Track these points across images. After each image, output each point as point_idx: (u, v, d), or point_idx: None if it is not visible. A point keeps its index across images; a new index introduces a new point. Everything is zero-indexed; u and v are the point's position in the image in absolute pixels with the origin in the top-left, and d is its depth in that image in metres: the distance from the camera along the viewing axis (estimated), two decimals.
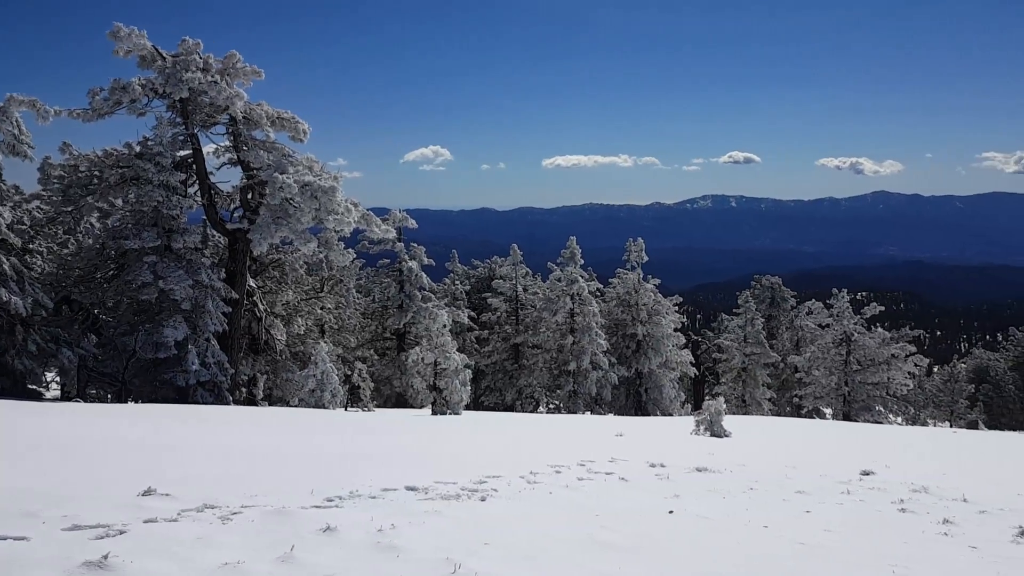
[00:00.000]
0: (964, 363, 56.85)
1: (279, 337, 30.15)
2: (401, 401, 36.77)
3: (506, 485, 9.15)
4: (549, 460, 11.58)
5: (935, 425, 49.73)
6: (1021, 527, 8.10)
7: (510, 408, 42.46)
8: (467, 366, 26.11)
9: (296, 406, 26.41)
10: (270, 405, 29.40)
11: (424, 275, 38.67)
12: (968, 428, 45.34)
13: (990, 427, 48.56)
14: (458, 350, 28.02)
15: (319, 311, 35.53)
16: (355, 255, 34.01)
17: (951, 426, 48.86)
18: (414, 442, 13.97)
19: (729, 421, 20.79)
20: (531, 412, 40.98)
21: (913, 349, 37.18)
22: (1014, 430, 43.10)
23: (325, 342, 30.42)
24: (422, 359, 24.88)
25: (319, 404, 25.58)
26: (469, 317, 42.02)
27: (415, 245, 39.44)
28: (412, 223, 37.81)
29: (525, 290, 43.75)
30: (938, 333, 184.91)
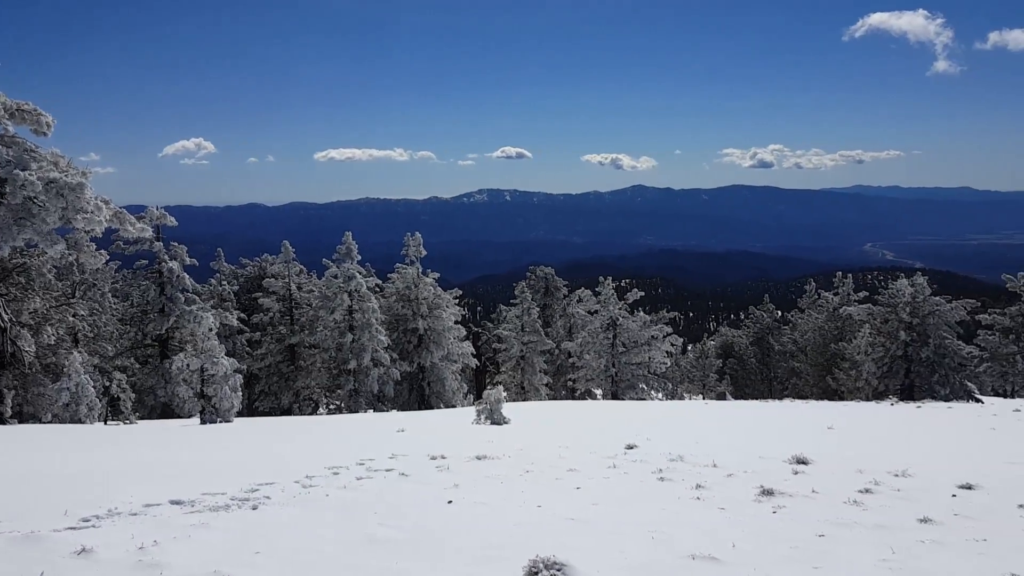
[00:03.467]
0: (713, 341, 62.80)
1: (27, 349, 27.03)
2: (167, 411, 34.32)
3: (280, 491, 8.85)
4: (326, 462, 11.31)
5: (690, 398, 54.55)
6: (762, 487, 9.02)
7: (287, 412, 41.04)
8: (238, 371, 24.94)
9: (50, 422, 24.20)
10: (20, 423, 26.33)
11: (187, 276, 36.26)
12: (718, 399, 50.16)
13: (736, 397, 54.05)
14: (228, 354, 26.71)
15: (71, 319, 32.43)
16: (109, 257, 31.34)
17: (704, 398, 53.80)
18: (180, 453, 13.09)
19: (509, 408, 21.45)
20: (310, 414, 39.87)
21: (670, 330, 40.38)
22: (756, 398, 48.19)
23: (79, 352, 27.94)
24: (187, 365, 23.41)
25: (75, 419, 23.57)
26: (239, 319, 40.03)
27: (176, 244, 36.84)
28: (172, 221, 35.42)
29: (299, 288, 42.41)
30: (691, 315, 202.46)
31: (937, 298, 35.70)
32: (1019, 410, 23.30)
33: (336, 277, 37.49)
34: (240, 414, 26.43)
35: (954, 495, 8.91)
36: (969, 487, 9.26)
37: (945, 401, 31.14)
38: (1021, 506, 8.27)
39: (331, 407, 41.54)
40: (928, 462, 11.33)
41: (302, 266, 44.02)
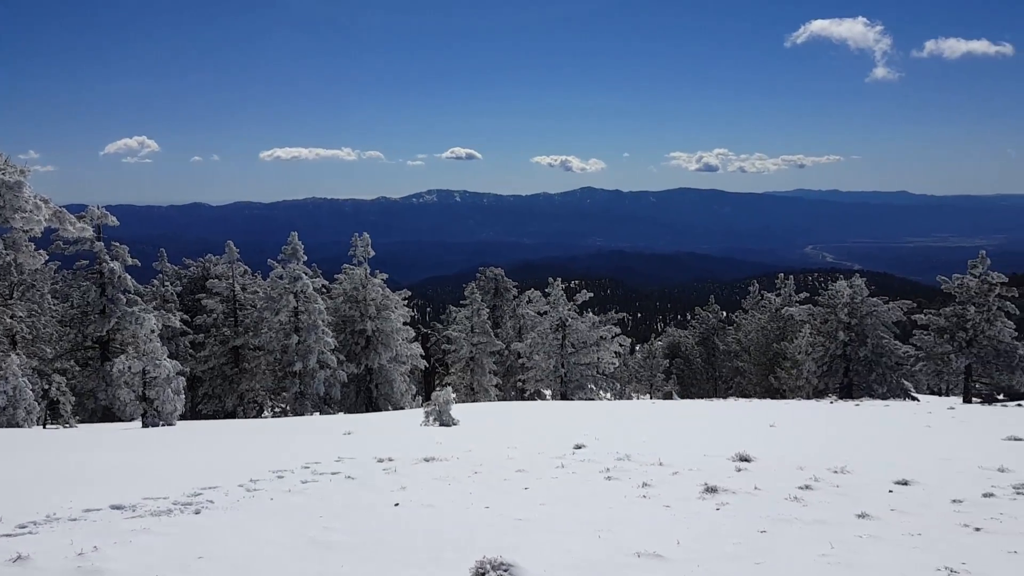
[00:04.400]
0: (660, 341, 63.58)
1: None
2: (108, 415, 33.43)
3: (223, 495, 8.71)
4: (271, 466, 11.15)
5: (638, 397, 55.14)
6: (707, 485, 9.16)
7: (231, 415, 40.31)
8: (181, 373, 24.42)
9: None
10: None
11: (129, 277, 35.34)
12: (665, 398, 50.80)
13: (682, 396, 54.82)
14: (170, 356, 26.16)
15: (9, 320, 31.48)
16: (48, 257, 30.46)
17: (651, 397, 54.43)
18: (121, 457, 12.76)
19: (458, 409, 21.39)
20: (254, 417, 39.22)
21: (618, 331, 40.76)
22: (702, 397, 48.93)
23: (17, 354, 27.11)
24: (129, 368, 22.83)
25: (12, 423, 22.90)
26: (182, 320, 39.17)
27: (117, 244, 35.91)
28: (113, 220, 34.58)
29: (244, 289, 41.67)
30: (639, 315, 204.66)
31: (875, 299, 36.70)
32: (953, 408, 24.10)
33: (281, 278, 36.93)
34: (183, 417, 25.88)
35: (891, 491, 9.17)
36: (905, 483, 9.53)
37: (883, 399, 32.03)
38: (955, 501, 8.54)
39: (276, 410, 40.92)
40: (866, 459, 11.64)
41: (247, 267, 43.28)
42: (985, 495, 8.85)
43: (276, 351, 36.84)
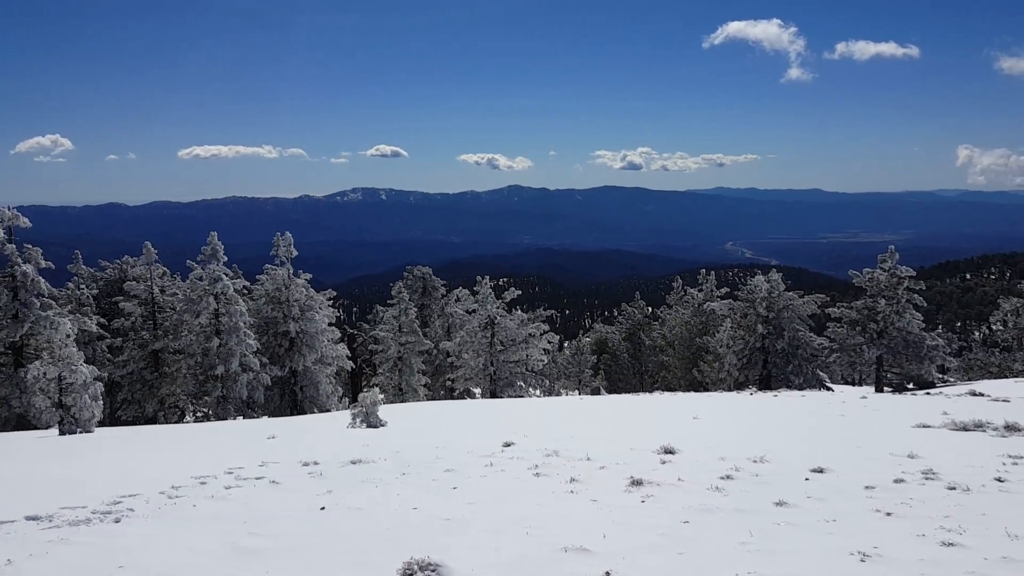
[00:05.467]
0: (588, 337, 64.31)
1: None
2: (23, 423, 31.99)
3: (144, 503, 8.47)
4: (193, 472, 10.86)
5: (567, 393, 55.67)
6: (632, 478, 9.33)
7: (152, 421, 39.06)
8: (98, 378, 23.53)
9: None
10: None
11: (42, 280, 33.86)
12: (592, 394, 51.42)
13: (610, 391, 55.60)
14: (87, 361, 25.18)
15: None
16: None
17: (579, 393, 55.01)
18: (37, 467, 12.24)
19: (385, 410, 21.20)
20: (176, 423, 38.11)
21: (547, 328, 41.03)
22: (628, 392, 49.69)
23: None
24: (44, 374, 21.89)
25: None
26: (99, 324, 37.75)
27: (30, 246, 34.39)
28: (25, 222, 33.23)
29: (163, 291, 40.38)
30: (567, 312, 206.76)
31: (791, 293, 37.92)
32: (866, 397, 25.08)
33: (201, 279, 35.92)
34: (102, 424, 24.96)
35: (807, 479, 9.50)
36: (821, 471, 9.90)
37: (799, 390, 33.11)
38: (867, 487, 8.91)
39: (198, 415, 39.82)
40: (784, 448, 12.03)
41: (165, 268, 41.98)
42: (896, 481, 9.26)
43: (197, 354, 35.84)
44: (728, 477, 9.49)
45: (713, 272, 53.28)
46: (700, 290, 51.15)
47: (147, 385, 39.99)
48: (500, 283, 79.50)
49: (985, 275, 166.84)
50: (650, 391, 42.04)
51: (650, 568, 5.90)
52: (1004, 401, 20.62)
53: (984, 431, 13.75)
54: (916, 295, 35.14)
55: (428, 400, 43.60)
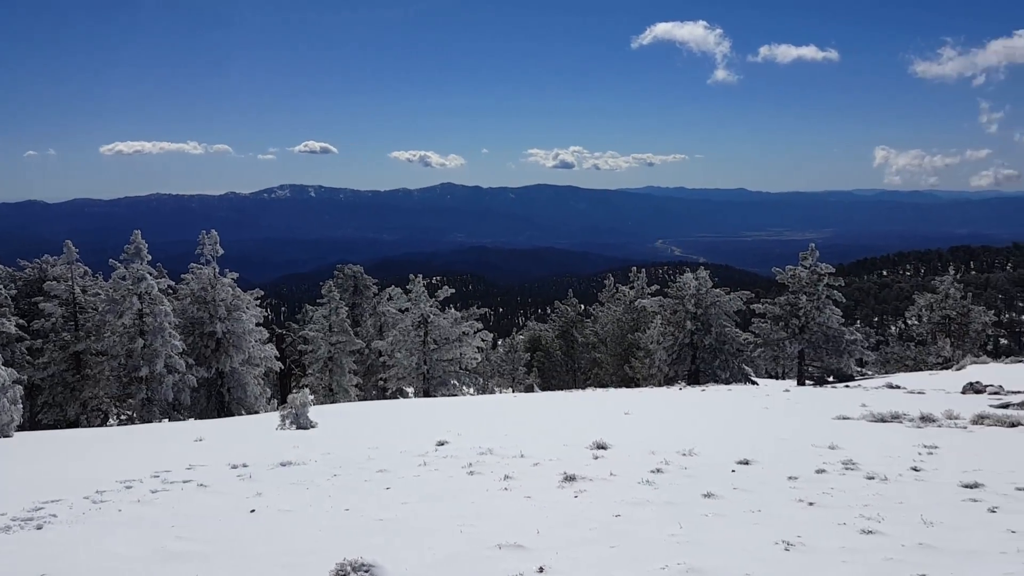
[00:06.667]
0: (521, 335, 64.60)
1: None
2: None
3: (68, 509, 8.21)
4: (118, 476, 10.54)
5: (501, 391, 55.82)
6: (566, 474, 9.43)
7: (74, 424, 37.69)
8: (18, 381, 22.63)
9: None
10: None
11: None
12: (526, 391, 51.69)
13: (544, 388, 55.98)
14: (5, 364, 24.23)
15: None
16: None
17: (513, 391, 55.24)
18: None
19: (316, 411, 20.89)
20: (99, 426, 36.85)
21: (480, 326, 41.08)
22: (562, 389, 50.12)
23: None
24: None
25: None
26: (18, 325, 36.27)
27: None
28: None
29: (85, 291, 38.98)
30: (500, 310, 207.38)
31: (718, 290, 38.85)
32: (789, 390, 25.88)
33: (124, 279, 34.78)
34: (21, 428, 23.96)
35: (733, 470, 9.77)
36: (746, 462, 10.18)
37: (726, 384, 33.97)
38: (791, 478, 9.20)
39: (122, 418, 38.59)
40: (711, 441, 12.34)
41: (87, 268, 40.54)
42: (818, 471, 9.59)
43: (120, 356, 34.72)
44: (658, 471, 9.69)
45: (644, 270, 54.16)
46: (632, 287, 51.91)
47: (69, 388, 38.62)
48: (433, 281, 79.20)
49: (901, 272, 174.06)
50: (583, 388, 42.48)
51: (583, 562, 5.99)
52: (919, 393, 21.55)
53: (901, 422, 14.35)
54: (836, 291, 36.38)
55: (360, 400, 43.15)
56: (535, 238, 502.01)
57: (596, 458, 10.84)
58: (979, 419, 13.96)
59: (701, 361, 38.29)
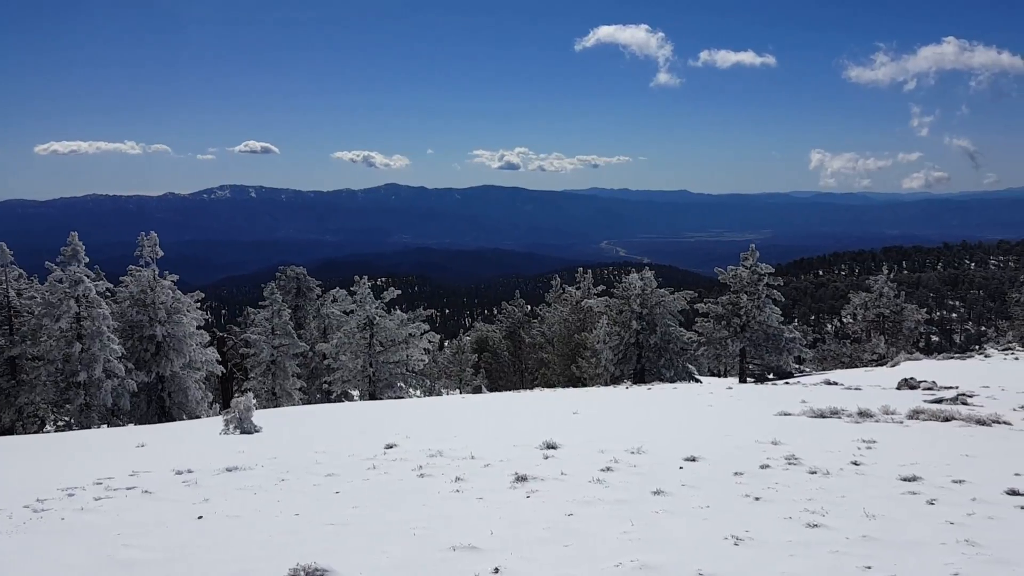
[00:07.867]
0: (468, 336, 64.53)
1: None
2: None
3: (7, 518, 7.97)
4: (59, 484, 10.22)
5: (448, 393, 55.67)
6: (517, 474, 9.48)
7: (9, 431, 36.35)
8: None
9: None
10: None
11: None
12: (474, 392, 51.66)
13: (491, 389, 56.02)
14: None
15: None
16: None
17: (461, 392, 55.14)
18: None
19: (260, 416, 20.54)
20: (35, 433, 35.65)
21: (427, 327, 40.84)
22: (510, 389, 50.23)
23: None
24: None
25: None
26: None
27: None
28: None
29: (19, 294, 37.62)
30: (447, 311, 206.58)
31: (662, 290, 39.37)
32: (731, 388, 26.39)
33: (61, 281, 33.71)
34: None
35: (681, 467, 9.94)
36: (693, 459, 10.37)
37: (671, 382, 34.46)
38: (736, 473, 9.41)
39: (59, 424, 37.38)
40: (659, 439, 12.52)
41: (22, 270, 39.12)
42: (762, 467, 9.82)
43: (57, 360, 33.64)
44: (608, 469, 9.80)
45: (590, 271, 54.55)
46: (578, 288, 52.28)
47: (3, 394, 37.27)
48: (379, 283, 78.67)
49: (836, 271, 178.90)
50: (531, 388, 42.64)
51: (538, 561, 6.04)
52: (856, 389, 22.19)
53: (840, 418, 14.77)
54: (775, 291, 37.23)
55: (304, 404, 42.57)
56: (481, 239, 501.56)
57: (547, 458, 10.91)
58: (914, 414, 14.45)
59: (647, 360, 38.77)
